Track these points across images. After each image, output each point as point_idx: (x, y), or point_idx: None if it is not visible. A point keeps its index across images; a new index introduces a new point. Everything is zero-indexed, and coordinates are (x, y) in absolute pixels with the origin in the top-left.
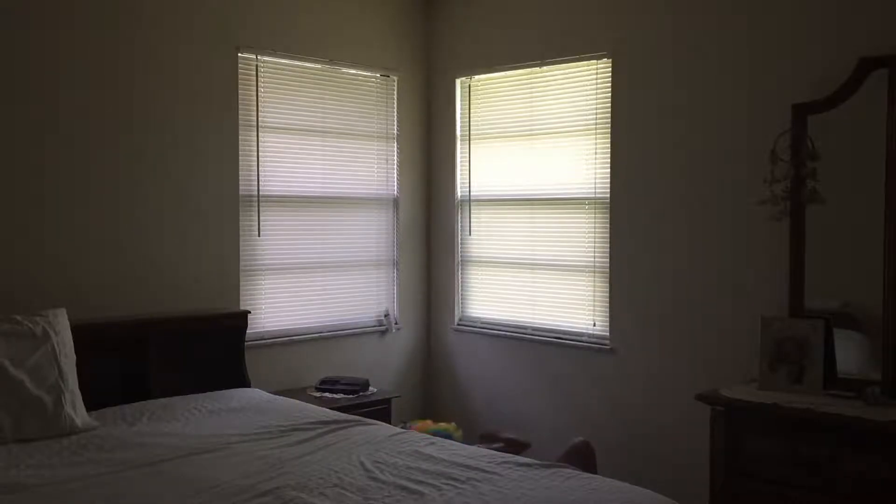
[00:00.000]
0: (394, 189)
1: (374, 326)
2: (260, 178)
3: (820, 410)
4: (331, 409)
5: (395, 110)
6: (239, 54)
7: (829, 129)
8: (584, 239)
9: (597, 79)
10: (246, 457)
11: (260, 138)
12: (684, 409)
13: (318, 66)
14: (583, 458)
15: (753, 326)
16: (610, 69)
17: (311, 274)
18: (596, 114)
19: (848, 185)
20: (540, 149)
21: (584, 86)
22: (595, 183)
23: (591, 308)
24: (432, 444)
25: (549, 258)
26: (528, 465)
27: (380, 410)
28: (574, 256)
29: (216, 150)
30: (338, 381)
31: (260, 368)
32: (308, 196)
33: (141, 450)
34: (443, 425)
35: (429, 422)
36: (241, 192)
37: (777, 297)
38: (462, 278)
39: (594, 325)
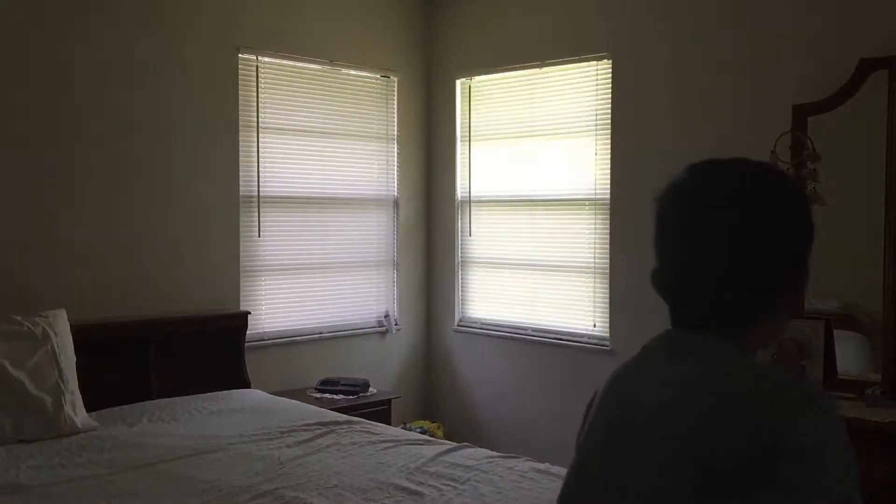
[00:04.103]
0: (394, 190)
1: (375, 327)
2: (260, 179)
3: None
4: (330, 409)
5: (396, 111)
6: (239, 55)
7: (830, 130)
8: (585, 240)
9: (597, 80)
10: (246, 458)
11: (260, 139)
12: None
13: (319, 66)
14: None
15: None
16: (610, 70)
17: (312, 275)
18: (596, 115)
19: (848, 186)
20: (540, 150)
21: (584, 87)
22: (595, 184)
23: (592, 309)
24: (431, 444)
25: (549, 259)
26: (528, 465)
27: (380, 411)
28: (574, 257)
29: (216, 150)
30: (338, 382)
31: (260, 369)
32: (308, 197)
33: (141, 451)
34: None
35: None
36: (241, 193)
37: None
38: (462, 279)
39: (594, 326)
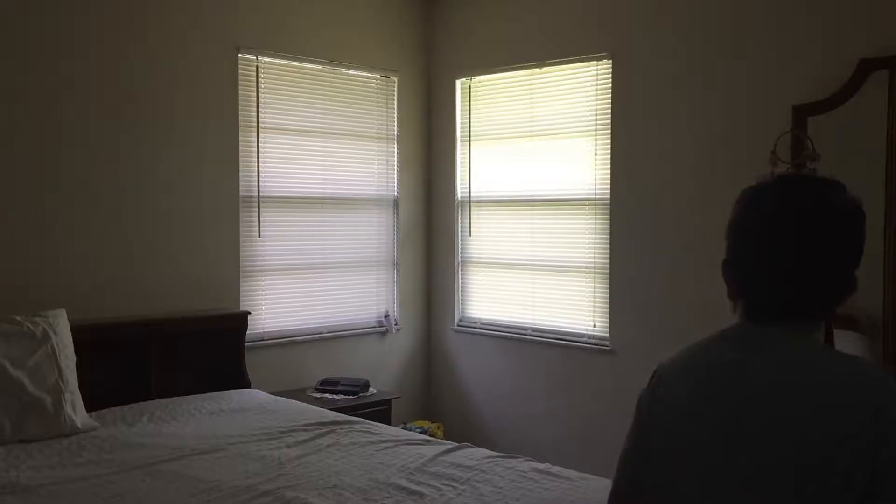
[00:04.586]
0: (394, 190)
1: (375, 327)
2: (260, 179)
3: None
4: (331, 409)
5: (396, 111)
6: (239, 55)
7: (830, 130)
8: (585, 240)
9: (597, 80)
10: (246, 458)
11: (260, 139)
12: None
13: (319, 66)
14: None
15: None
16: (610, 70)
17: (312, 274)
18: (596, 115)
19: (848, 186)
20: (540, 150)
21: (584, 87)
22: (595, 184)
23: (592, 309)
24: (431, 444)
25: (549, 259)
26: (528, 466)
27: (380, 411)
28: (574, 257)
29: (216, 150)
30: (338, 382)
31: (260, 369)
32: (308, 197)
33: (141, 450)
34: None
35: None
36: (241, 193)
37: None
38: (462, 279)
39: (594, 325)
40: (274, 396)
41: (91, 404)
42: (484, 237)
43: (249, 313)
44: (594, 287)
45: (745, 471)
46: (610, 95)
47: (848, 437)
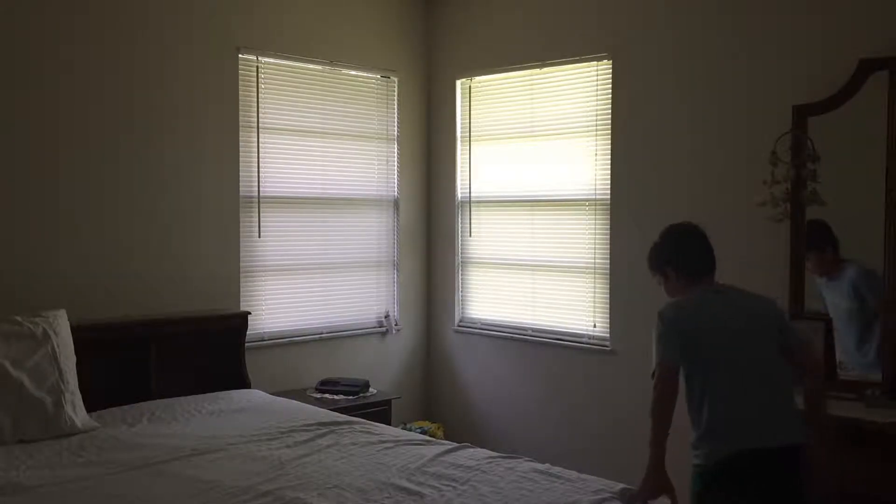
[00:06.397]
0: (394, 190)
1: (375, 327)
2: (260, 180)
3: None
4: (331, 410)
5: (396, 111)
6: (239, 55)
7: (830, 131)
8: (585, 240)
9: (597, 80)
10: (246, 458)
11: (260, 139)
12: (684, 410)
13: (319, 67)
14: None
15: None
16: (610, 70)
17: (312, 275)
18: (596, 115)
19: (848, 186)
20: (540, 150)
21: (584, 87)
22: (595, 184)
23: (592, 309)
24: (431, 444)
25: (549, 259)
26: (528, 466)
27: (380, 411)
28: (574, 257)
29: (216, 151)
30: (338, 383)
31: (260, 369)
32: (308, 197)
33: (141, 451)
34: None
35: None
36: (241, 194)
37: (777, 298)
38: (462, 279)
39: (594, 326)
40: (274, 396)
41: (91, 404)
42: (484, 237)
43: (249, 313)
44: (594, 287)
45: (737, 332)
46: (610, 95)
47: (773, 317)
